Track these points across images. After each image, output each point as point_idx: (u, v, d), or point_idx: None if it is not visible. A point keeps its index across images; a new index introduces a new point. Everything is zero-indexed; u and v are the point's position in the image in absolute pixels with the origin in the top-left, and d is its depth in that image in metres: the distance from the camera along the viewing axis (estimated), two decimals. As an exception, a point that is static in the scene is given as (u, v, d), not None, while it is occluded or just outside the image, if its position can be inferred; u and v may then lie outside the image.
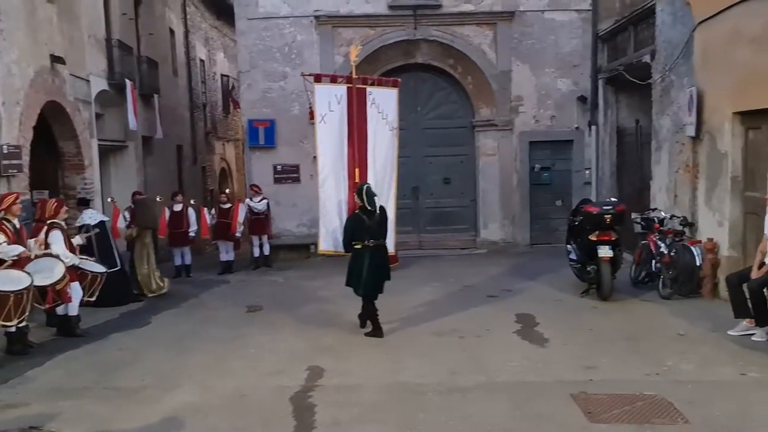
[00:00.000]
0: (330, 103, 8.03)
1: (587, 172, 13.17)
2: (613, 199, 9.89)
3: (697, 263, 8.19)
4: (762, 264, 6.42)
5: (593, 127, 12.89)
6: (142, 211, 9.93)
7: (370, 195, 6.96)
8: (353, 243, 6.95)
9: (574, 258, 9.12)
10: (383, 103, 8.19)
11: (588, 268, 8.52)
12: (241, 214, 11.56)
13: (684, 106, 8.92)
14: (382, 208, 7.15)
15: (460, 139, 13.56)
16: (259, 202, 11.82)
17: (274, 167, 12.95)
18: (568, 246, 9.42)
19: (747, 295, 6.36)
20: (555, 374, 5.60)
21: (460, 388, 5.36)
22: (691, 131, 8.72)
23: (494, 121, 13.16)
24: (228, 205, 11.86)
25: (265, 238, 11.99)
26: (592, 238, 8.32)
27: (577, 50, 12.87)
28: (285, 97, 12.75)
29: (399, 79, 8.81)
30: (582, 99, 12.97)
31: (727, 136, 7.99)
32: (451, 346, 6.63)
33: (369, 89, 8.20)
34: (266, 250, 12.04)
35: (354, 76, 8.27)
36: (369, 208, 6.92)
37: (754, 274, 6.40)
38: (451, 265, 11.64)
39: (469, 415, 4.81)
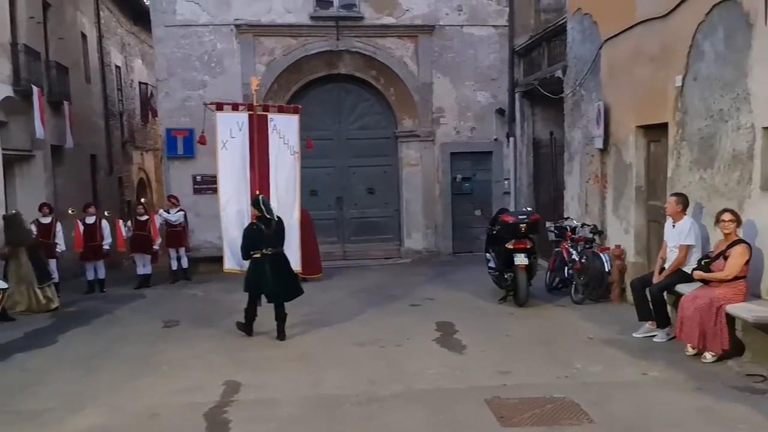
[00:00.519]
0: (231, 130, 8.27)
1: (506, 182, 13.59)
2: (528, 209, 10.22)
3: (606, 269, 8.59)
4: (662, 269, 6.84)
5: (511, 139, 13.31)
6: (11, 228, 9.42)
7: (267, 203, 7.32)
8: (252, 252, 7.17)
9: (493, 266, 9.37)
10: (284, 129, 8.50)
11: (505, 276, 8.77)
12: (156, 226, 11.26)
13: (593, 119, 9.37)
14: (279, 217, 7.44)
15: (383, 150, 13.71)
16: (175, 213, 11.52)
17: (194, 178, 12.63)
18: (487, 254, 9.68)
19: (649, 299, 6.74)
20: (471, 380, 5.72)
21: (378, 397, 5.38)
22: (599, 143, 9.17)
23: (417, 132, 13.37)
24: (145, 217, 11.46)
25: (182, 250, 11.68)
26: (509, 246, 8.57)
27: (495, 64, 13.28)
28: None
29: (299, 106, 9.34)
30: (500, 111, 13.39)
31: (631, 148, 8.45)
32: (372, 355, 6.65)
33: (270, 116, 8.50)
34: (184, 263, 11.73)
35: (255, 103, 8.56)
36: (267, 216, 7.22)
37: (655, 279, 6.79)
38: (376, 275, 11.71)
39: (386, 425, 4.83)
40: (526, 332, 7.31)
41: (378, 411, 5.10)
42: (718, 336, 5.82)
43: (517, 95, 13.10)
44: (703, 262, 6.11)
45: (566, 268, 9.05)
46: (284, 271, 7.33)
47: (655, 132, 7.97)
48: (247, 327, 7.49)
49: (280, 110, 8.89)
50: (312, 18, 12.74)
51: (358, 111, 13.65)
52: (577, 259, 8.78)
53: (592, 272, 8.66)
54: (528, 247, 8.54)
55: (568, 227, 9.45)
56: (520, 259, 8.45)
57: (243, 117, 8.29)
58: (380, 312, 8.61)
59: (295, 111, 8.91)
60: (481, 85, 13.34)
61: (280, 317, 7.35)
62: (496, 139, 13.54)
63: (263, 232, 7.17)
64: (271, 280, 7.14)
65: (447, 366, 6.20)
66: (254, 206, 7.37)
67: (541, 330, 7.39)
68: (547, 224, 9.87)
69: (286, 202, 8.26)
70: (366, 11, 12.87)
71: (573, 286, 8.79)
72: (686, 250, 6.58)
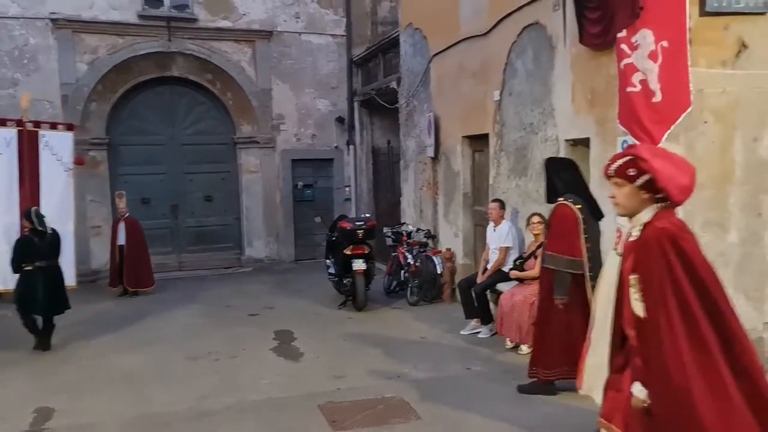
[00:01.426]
0: None
1: (347, 189, 13.83)
2: (365, 215, 10.46)
3: (438, 271, 9.05)
4: (485, 270, 7.34)
5: (351, 147, 13.58)
6: None
7: (39, 216, 7.14)
8: (23, 265, 6.99)
9: (333, 272, 9.46)
10: (57, 146, 8.35)
11: (344, 281, 8.90)
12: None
13: (425, 129, 9.84)
14: (54, 230, 7.28)
15: (221, 156, 13.29)
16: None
17: (4, 185, 11.34)
18: (327, 260, 9.78)
19: (474, 298, 7.20)
20: (306, 387, 5.71)
21: (209, 412, 5.19)
22: (430, 152, 9.64)
23: (256, 139, 13.14)
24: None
25: (-10, 266, 10.43)
26: (347, 252, 8.71)
27: (334, 73, 13.46)
28: (17, 107, 11.16)
29: (75, 123, 9.34)
30: (340, 120, 13.59)
31: (458, 157, 8.99)
32: (205, 369, 6.41)
33: (42, 132, 8.29)
34: (-7, 281, 10.48)
35: (25, 119, 8.21)
36: (40, 228, 7.08)
37: (479, 279, 7.28)
38: (214, 286, 11.30)
39: (215, 440, 4.68)
40: (363, 336, 7.45)
41: (208, 426, 4.92)
42: (532, 329, 6.35)
43: (356, 104, 13.40)
44: (517, 262, 6.65)
45: (402, 271, 9.39)
46: (56, 285, 7.22)
47: (479, 142, 8.55)
48: (40, 342, 7.23)
49: (53, 127, 8.72)
50: (140, 17, 12.02)
51: (193, 115, 13.11)
52: (412, 262, 9.14)
53: (426, 275, 9.08)
54: (365, 252, 8.74)
55: (404, 232, 9.81)
56: (358, 265, 8.63)
57: (11, 133, 8.00)
58: (216, 324, 8.32)
59: (69, 128, 8.84)
60: (321, 93, 13.44)
61: (48, 330, 7.25)
62: (336, 147, 13.72)
63: (35, 243, 7.09)
64: (41, 293, 7.06)
65: (282, 374, 6.14)
66: (26, 218, 7.20)
67: (377, 333, 7.58)
68: (385, 229, 10.19)
69: (59, 219, 7.93)
70: (200, 13, 12.43)
71: (409, 288, 9.13)
72: (505, 251, 7.13)
